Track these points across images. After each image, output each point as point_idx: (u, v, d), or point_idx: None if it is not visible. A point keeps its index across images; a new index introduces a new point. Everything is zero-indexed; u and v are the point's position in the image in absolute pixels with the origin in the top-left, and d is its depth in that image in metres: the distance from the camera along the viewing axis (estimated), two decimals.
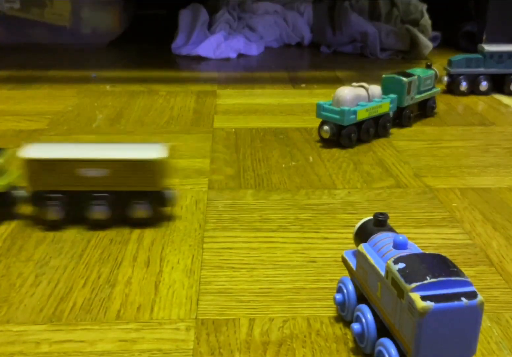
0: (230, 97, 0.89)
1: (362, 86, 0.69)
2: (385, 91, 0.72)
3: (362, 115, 0.66)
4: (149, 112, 0.81)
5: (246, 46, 1.20)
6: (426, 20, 1.17)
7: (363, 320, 0.33)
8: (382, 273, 0.32)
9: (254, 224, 0.50)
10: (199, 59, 1.15)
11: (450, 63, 0.90)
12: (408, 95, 0.74)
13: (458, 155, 0.66)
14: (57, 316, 0.37)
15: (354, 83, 0.69)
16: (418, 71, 0.78)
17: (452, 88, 0.90)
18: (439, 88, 0.81)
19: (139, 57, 1.19)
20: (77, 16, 1.20)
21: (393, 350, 0.30)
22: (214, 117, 0.79)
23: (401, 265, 0.30)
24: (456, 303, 0.29)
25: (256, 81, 0.99)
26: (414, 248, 0.33)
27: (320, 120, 0.69)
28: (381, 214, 0.37)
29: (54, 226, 0.48)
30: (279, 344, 0.35)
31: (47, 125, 0.74)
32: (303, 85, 0.97)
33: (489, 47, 0.90)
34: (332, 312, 0.38)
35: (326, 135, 0.68)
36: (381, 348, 0.31)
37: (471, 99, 0.89)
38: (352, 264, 0.36)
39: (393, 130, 0.74)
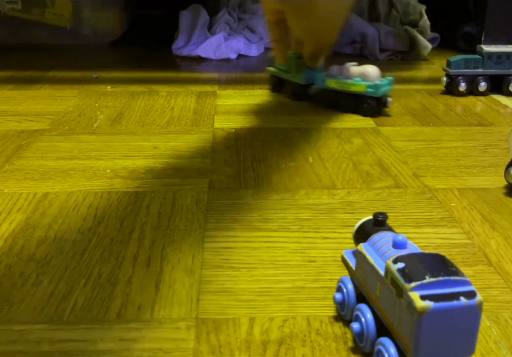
0: (230, 98, 0.89)
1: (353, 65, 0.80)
2: None
3: (331, 84, 0.80)
4: (149, 112, 0.81)
5: (246, 47, 1.20)
6: (425, 21, 1.18)
7: (363, 319, 0.33)
8: (382, 273, 0.32)
9: (254, 223, 0.50)
10: (200, 60, 1.15)
11: (449, 64, 0.90)
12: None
13: (457, 155, 0.66)
14: (58, 315, 0.37)
15: (350, 63, 0.80)
16: None
17: (451, 89, 0.91)
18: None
19: (140, 58, 1.19)
20: (77, 17, 1.20)
21: (393, 349, 0.31)
22: (214, 117, 0.79)
23: (401, 265, 0.30)
24: (455, 302, 0.29)
25: (256, 81, 1.00)
26: (413, 247, 0.34)
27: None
28: (381, 213, 0.37)
29: None
30: (279, 343, 0.35)
31: (48, 126, 0.75)
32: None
33: (488, 48, 0.90)
34: (331, 311, 0.38)
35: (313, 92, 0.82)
36: (380, 347, 0.31)
37: (470, 100, 0.89)
38: (352, 263, 0.37)
39: (392, 131, 0.74)
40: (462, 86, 0.89)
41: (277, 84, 0.90)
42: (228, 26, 1.24)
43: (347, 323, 0.37)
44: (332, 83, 0.80)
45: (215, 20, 1.23)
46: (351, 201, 0.54)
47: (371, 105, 0.79)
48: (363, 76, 0.78)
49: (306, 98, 0.85)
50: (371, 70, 0.79)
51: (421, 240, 0.47)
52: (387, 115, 0.81)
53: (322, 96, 0.82)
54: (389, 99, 0.79)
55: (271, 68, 0.89)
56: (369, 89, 0.77)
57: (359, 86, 0.78)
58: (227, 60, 1.16)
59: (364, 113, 0.79)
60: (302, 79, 0.84)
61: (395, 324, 0.31)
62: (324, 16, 0.71)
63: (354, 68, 0.80)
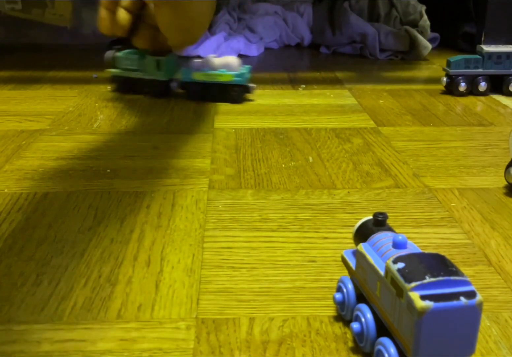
0: None
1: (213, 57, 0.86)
2: None
3: (198, 77, 0.84)
4: (149, 112, 0.81)
5: (246, 47, 1.20)
6: (425, 21, 1.18)
7: (363, 319, 0.33)
8: (382, 273, 0.32)
9: (254, 223, 0.50)
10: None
11: (449, 64, 0.90)
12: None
13: (457, 155, 0.66)
14: (58, 315, 0.37)
15: (210, 55, 0.86)
16: None
17: (451, 89, 0.91)
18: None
19: None
20: (78, 17, 1.20)
21: (393, 349, 0.31)
22: (214, 117, 0.79)
23: (401, 265, 0.30)
24: (455, 302, 0.29)
25: (256, 81, 0.99)
26: (414, 247, 0.34)
27: None
28: (381, 213, 0.37)
29: None
30: (279, 343, 0.35)
31: (48, 126, 0.75)
32: (302, 85, 0.97)
33: (488, 48, 0.90)
34: (331, 311, 0.38)
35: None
36: (380, 347, 0.31)
37: (470, 100, 0.89)
38: (352, 263, 0.36)
39: (392, 131, 0.74)
40: (462, 86, 0.89)
41: (124, 84, 0.90)
42: (228, 26, 1.24)
43: (347, 323, 0.37)
44: (199, 76, 0.84)
45: (215, 20, 1.23)
46: (351, 201, 0.54)
47: (239, 92, 0.85)
48: (226, 67, 0.84)
49: (168, 94, 0.88)
50: (233, 60, 0.85)
51: (421, 240, 0.47)
52: (251, 100, 0.87)
53: (190, 89, 0.86)
54: (252, 85, 0.86)
55: (113, 70, 0.90)
56: (236, 78, 0.84)
57: (226, 76, 0.84)
58: None
59: (233, 101, 0.85)
60: (164, 76, 0.86)
61: (395, 324, 0.31)
62: (195, 16, 0.75)
63: (216, 60, 0.85)
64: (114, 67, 0.89)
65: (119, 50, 0.89)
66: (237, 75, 0.84)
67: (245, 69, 0.85)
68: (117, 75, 0.90)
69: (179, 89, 0.87)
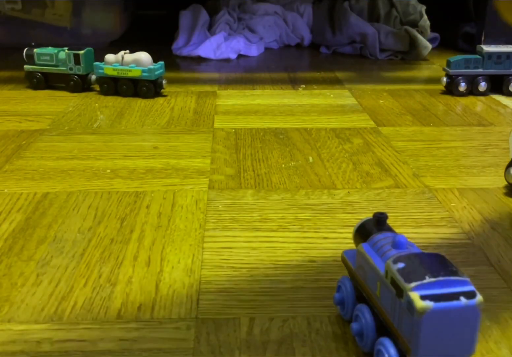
0: (230, 98, 0.89)
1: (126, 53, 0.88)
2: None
3: (109, 72, 0.87)
4: (149, 112, 0.81)
5: (246, 47, 1.20)
6: (425, 21, 1.18)
7: (362, 320, 0.33)
8: (382, 273, 0.32)
9: (254, 223, 0.50)
10: (200, 60, 1.16)
11: (449, 64, 0.90)
12: None
13: (457, 155, 0.66)
14: (58, 315, 0.37)
15: (123, 51, 0.88)
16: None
17: (451, 89, 0.91)
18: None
19: None
20: (77, 17, 1.20)
21: (392, 350, 0.31)
22: (214, 117, 0.79)
23: (401, 265, 0.30)
24: (455, 302, 0.29)
25: (256, 82, 1.00)
26: (414, 247, 0.34)
27: None
28: (381, 213, 0.37)
29: None
30: (279, 343, 0.35)
31: (48, 126, 0.75)
32: (302, 85, 0.97)
33: (487, 48, 0.90)
34: (331, 311, 0.38)
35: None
36: (380, 347, 0.31)
37: (470, 100, 0.89)
38: (352, 263, 0.36)
39: (392, 131, 0.74)
40: (462, 86, 0.89)
41: (41, 80, 0.92)
42: (228, 26, 1.24)
43: (347, 323, 0.37)
44: (110, 71, 0.87)
45: (215, 20, 1.24)
46: (351, 201, 0.54)
47: (149, 88, 0.87)
48: (137, 62, 0.86)
49: (86, 89, 0.91)
50: (144, 56, 0.87)
51: (421, 240, 0.47)
52: (164, 95, 0.89)
53: (102, 84, 0.88)
54: (164, 81, 0.88)
55: (29, 66, 0.91)
56: (144, 74, 0.86)
57: (134, 72, 0.86)
58: (227, 60, 1.16)
59: (144, 96, 0.87)
60: (83, 70, 0.89)
61: (395, 324, 0.31)
62: None
63: (127, 55, 0.87)
64: (33, 64, 0.91)
65: (37, 46, 0.92)
66: (145, 71, 0.85)
67: (157, 65, 0.87)
68: (33, 71, 0.91)
69: (95, 83, 0.90)
